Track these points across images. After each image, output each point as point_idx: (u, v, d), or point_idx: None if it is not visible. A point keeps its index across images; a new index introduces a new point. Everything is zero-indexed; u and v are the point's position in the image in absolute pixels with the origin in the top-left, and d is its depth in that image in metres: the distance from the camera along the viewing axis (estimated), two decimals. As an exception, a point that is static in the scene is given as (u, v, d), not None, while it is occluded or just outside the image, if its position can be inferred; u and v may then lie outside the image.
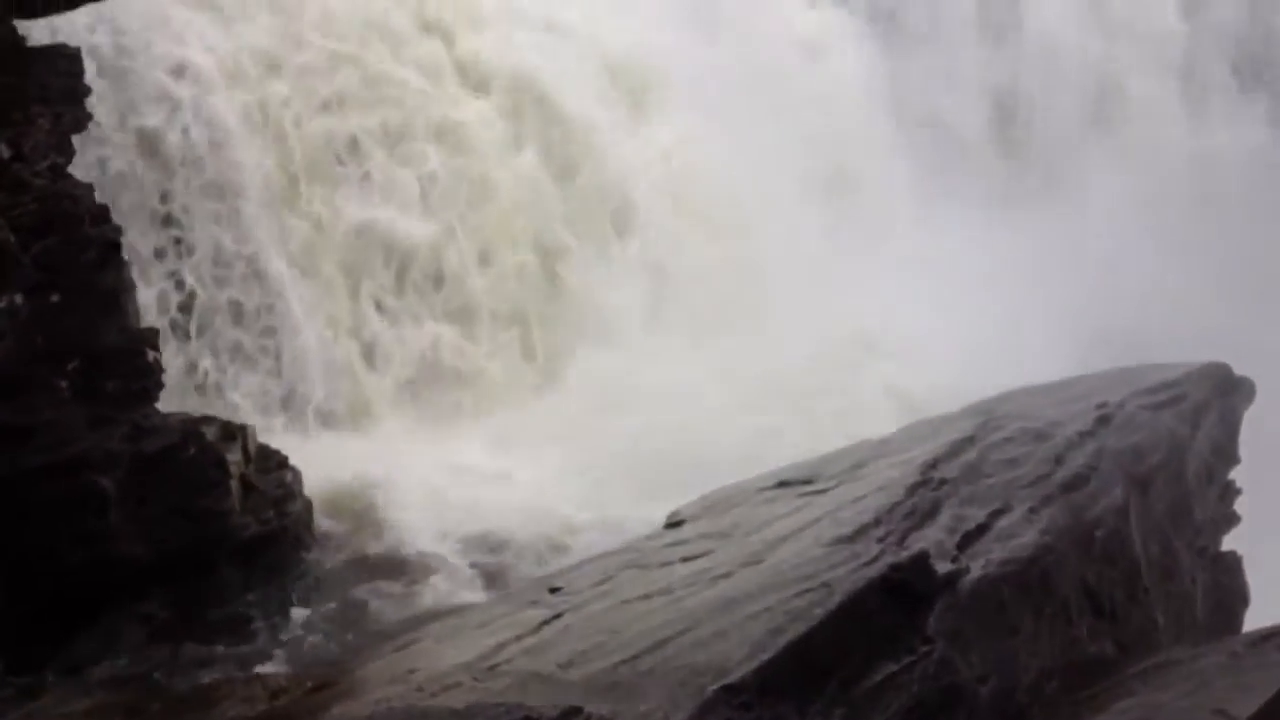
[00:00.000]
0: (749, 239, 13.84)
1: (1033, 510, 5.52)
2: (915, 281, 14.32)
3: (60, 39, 8.91)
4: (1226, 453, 7.19)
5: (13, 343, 7.85)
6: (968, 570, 4.95)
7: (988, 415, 6.60)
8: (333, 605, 8.69)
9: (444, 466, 10.65)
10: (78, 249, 8.28)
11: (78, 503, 7.86)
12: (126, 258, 8.79)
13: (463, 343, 11.83)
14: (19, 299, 7.94)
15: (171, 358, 9.65)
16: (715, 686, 4.12)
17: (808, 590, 4.67)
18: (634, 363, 11.91)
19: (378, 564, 9.29)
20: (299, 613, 8.52)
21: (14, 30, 8.30)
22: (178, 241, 10.14)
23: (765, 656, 4.26)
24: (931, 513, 5.48)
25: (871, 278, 14.17)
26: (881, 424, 8.13)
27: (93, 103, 8.89)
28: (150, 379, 8.59)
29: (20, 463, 7.69)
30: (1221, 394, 7.29)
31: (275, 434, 10.14)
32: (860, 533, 5.23)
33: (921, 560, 4.83)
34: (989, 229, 15.59)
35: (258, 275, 10.55)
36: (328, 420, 10.95)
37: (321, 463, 9.91)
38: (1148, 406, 6.53)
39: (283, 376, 10.62)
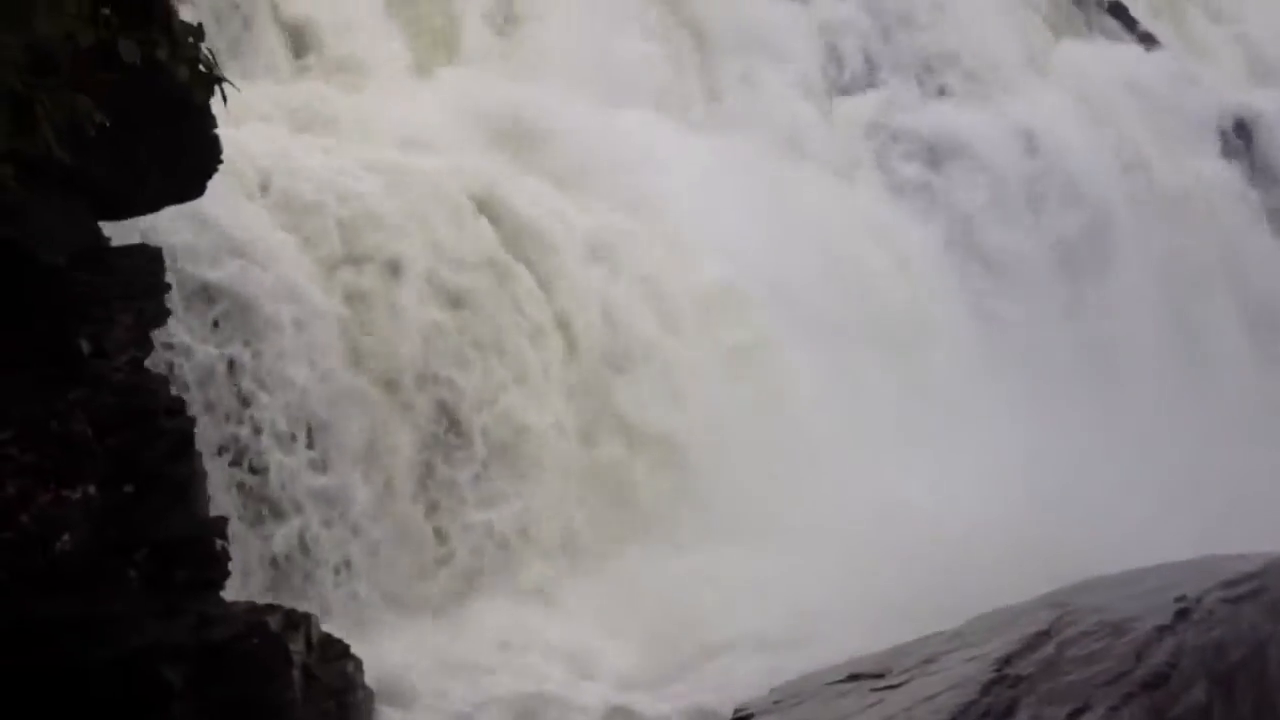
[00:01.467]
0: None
1: (1113, 709, 5.39)
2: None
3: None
4: (1311, 647, 6.98)
5: (86, 533, 7.94)
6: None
7: (1063, 608, 6.49)
8: (392, 799, 8.56)
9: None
10: (151, 441, 8.44)
11: (144, 695, 7.84)
12: (199, 448, 8.95)
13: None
14: (93, 490, 8.07)
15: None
16: None
17: (886, 797, 4.56)
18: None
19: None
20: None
21: (98, 232, 8.64)
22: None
23: None
24: (1008, 712, 5.37)
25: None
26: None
27: (173, 298, 9.20)
28: (218, 568, 8.65)
29: (90, 655, 7.71)
30: (1304, 584, 7.13)
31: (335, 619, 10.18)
32: (937, 733, 5.12)
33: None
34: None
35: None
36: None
37: (386, 650, 9.93)
38: (1228, 599, 6.39)
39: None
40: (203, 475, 8.94)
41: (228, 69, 6.16)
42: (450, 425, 11.81)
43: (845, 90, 20.41)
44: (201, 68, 5.56)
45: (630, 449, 13.06)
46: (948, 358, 16.63)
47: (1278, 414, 19.61)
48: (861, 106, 20.05)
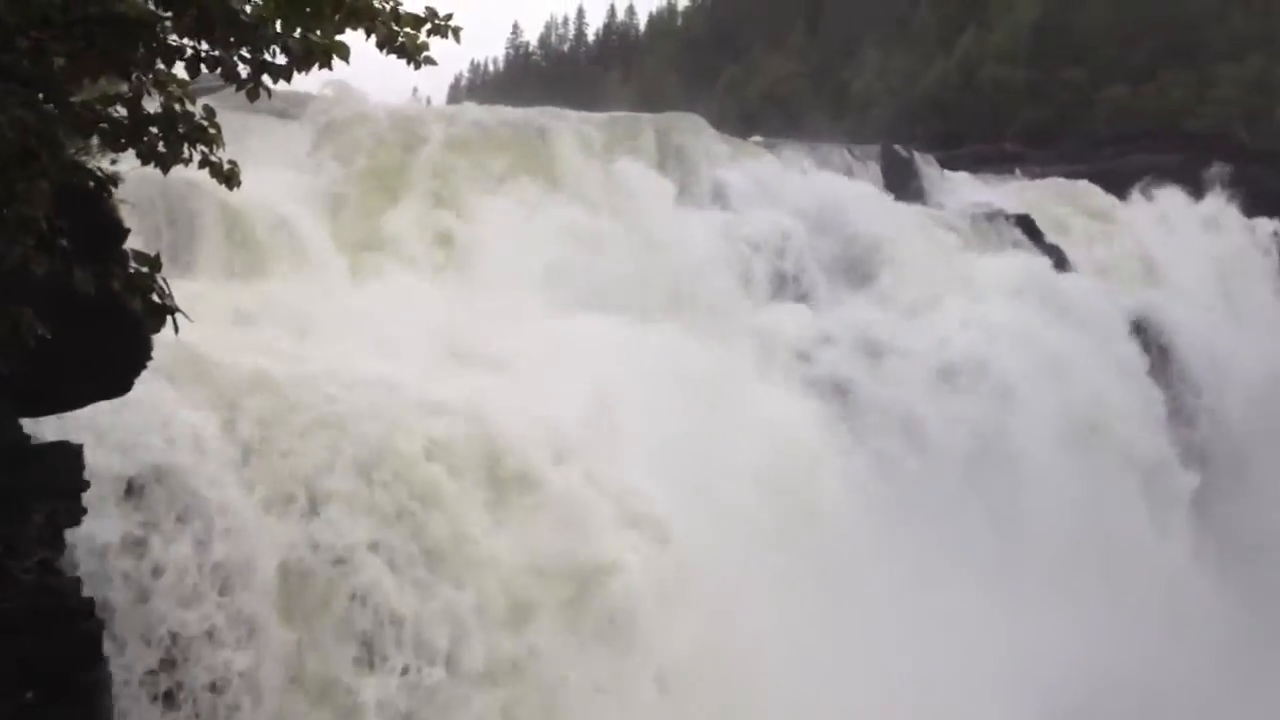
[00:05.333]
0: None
1: None
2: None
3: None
4: None
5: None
6: None
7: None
8: None
9: None
10: (57, 645, 8.20)
11: None
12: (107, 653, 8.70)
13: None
14: (-6, 695, 7.80)
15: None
16: None
17: None
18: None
19: None
20: None
21: (19, 428, 8.55)
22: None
23: None
24: None
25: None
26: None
27: (90, 497, 9.05)
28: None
29: None
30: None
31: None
32: None
33: None
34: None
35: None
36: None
37: None
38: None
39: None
40: (109, 679, 8.68)
41: (169, 269, 6.15)
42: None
43: (774, 298, 20.98)
44: (155, 298, 5.55)
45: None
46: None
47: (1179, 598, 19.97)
48: (791, 313, 20.57)
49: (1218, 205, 32.22)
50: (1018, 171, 35.00)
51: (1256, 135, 37.95)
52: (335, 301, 14.93)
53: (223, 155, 5.51)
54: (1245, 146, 37.84)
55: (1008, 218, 26.96)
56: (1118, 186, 32.35)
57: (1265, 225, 32.16)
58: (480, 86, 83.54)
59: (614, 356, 15.72)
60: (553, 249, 18.16)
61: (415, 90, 64.16)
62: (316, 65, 5.23)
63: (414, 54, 5.27)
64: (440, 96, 74.40)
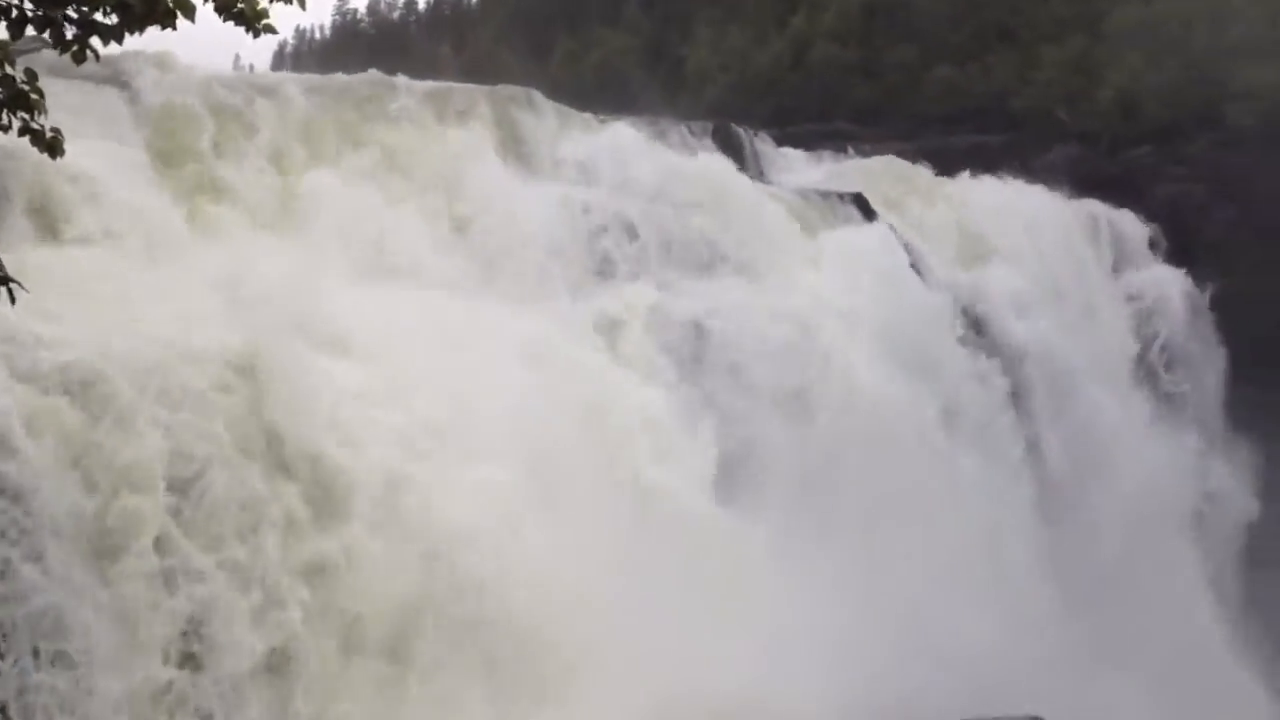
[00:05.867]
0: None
1: None
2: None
3: None
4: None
5: None
6: None
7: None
8: None
9: None
10: None
11: None
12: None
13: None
14: None
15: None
16: None
17: None
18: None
19: None
20: None
21: None
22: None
23: None
24: None
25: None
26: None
27: None
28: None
29: None
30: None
31: None
32: None
33: None
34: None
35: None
36: None
37: None
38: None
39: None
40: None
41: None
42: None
43: (609, 275, 20.76)
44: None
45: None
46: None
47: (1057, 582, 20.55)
48: (630, 289, 20.40)
49: (1040, 184, 33.12)
50: (850, 149, 35.46)
51: (1077, 115, 39.17)
52: (153, 271, 14.20)
53: (45, 122, 5.08)
54: (1066, 126, 39.05)
55: (842, 196, 27.25)
56: (945, 165, 33.02)
57: (1084, 205, 33.19)
58: (306, 55, 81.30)
59: (443, 334, 15.37)
60: (382, 221, 17.69)
61: (238, 59, 61.95)
62: (159, 26, 4.80)
63: (253, 21, 4.89)
64: (264, 65, 72.06)
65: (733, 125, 30.69)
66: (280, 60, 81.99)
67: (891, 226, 26.96)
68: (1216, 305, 32.39)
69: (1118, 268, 32.30)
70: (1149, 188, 35.59)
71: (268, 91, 19.25)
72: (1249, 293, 32.77)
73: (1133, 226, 33.46)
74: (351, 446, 12.97)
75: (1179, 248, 33.41)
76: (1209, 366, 31.61)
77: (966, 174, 32.34)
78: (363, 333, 14.42)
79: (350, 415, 13.24)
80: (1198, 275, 32.75)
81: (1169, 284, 32.20)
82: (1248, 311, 32.11)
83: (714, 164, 25.41)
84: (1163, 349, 31.14)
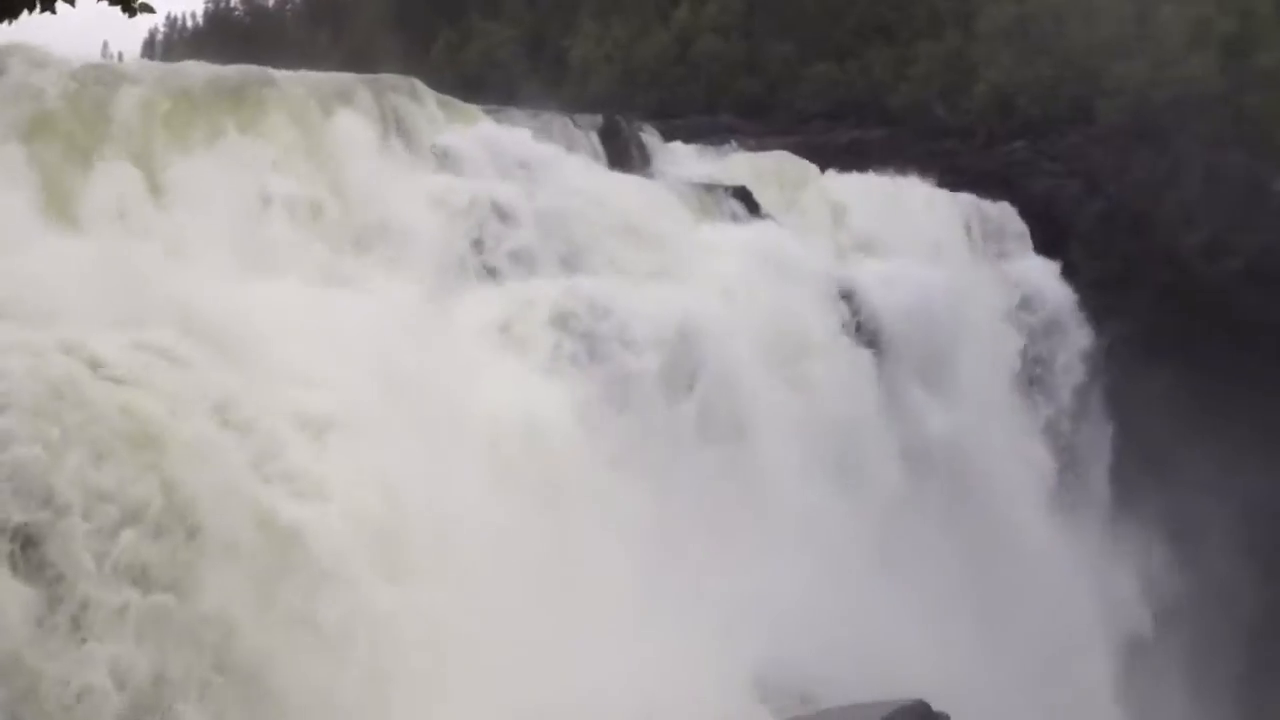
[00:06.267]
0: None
1: None
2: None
3: None
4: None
5: None
6: None
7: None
8: None
9: None
10: None
11: None
12: None
13: None
14: None
15: None
16: None
17: None
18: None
19: None
20: None
21: None
22: None
23: None
24: None
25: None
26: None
27: None
28: None
29: None
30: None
31: None
32: None
33: None
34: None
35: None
36: None
37: None
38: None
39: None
40: None
41: None
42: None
43: (489, 267, 20.55)
44: None
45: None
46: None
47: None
48: (508, 285, 20.23)
49: (919, 179, 33.66)
50: (734, 143, 35.62)
51: (953, 111, 39.82)
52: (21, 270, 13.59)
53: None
54: (943, 122, 39.69)
55: (726, 189, 27.35)
56: (827, 159, 33.39)
57: (961, 198, 33.81)
58: (178, 43, 79.05)
59: (316, 326, 15.07)
60: (259, 213, 17.27)
61: (106, 47, 60.05)
62: (39, 9, 4.49)
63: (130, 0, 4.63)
64: (134, 54, 69.93)
65: (618, 118, 30.60)
66: (151, 49, 79.63)
67: (773, 218, 27.15)
68: (1087, 293, 33.32)
69: (995, 258, 33.00)
70: (1023, 182, 36.42)
71: (136, 80, 18.63)
72: (1119, 281, 33.88)
73: (1008, 219, 34.24)
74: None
75: (1053, 239, 34.25)
76: (1078, 348, 32.77)
77: (846, 168, 32.74)
78: (232, 325, 13.98)
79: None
80: (1070, 265, 33.64)
81: (1044, 273, 33.03)
82: (1118, 300, 33.22)
83: (595, 156, 25.31)
84: (1040, 336, 32.07)
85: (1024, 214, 34.42)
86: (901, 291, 26.70)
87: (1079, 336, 32.64)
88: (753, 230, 25.78)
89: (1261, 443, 30.62)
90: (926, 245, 30.46)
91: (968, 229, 32.86)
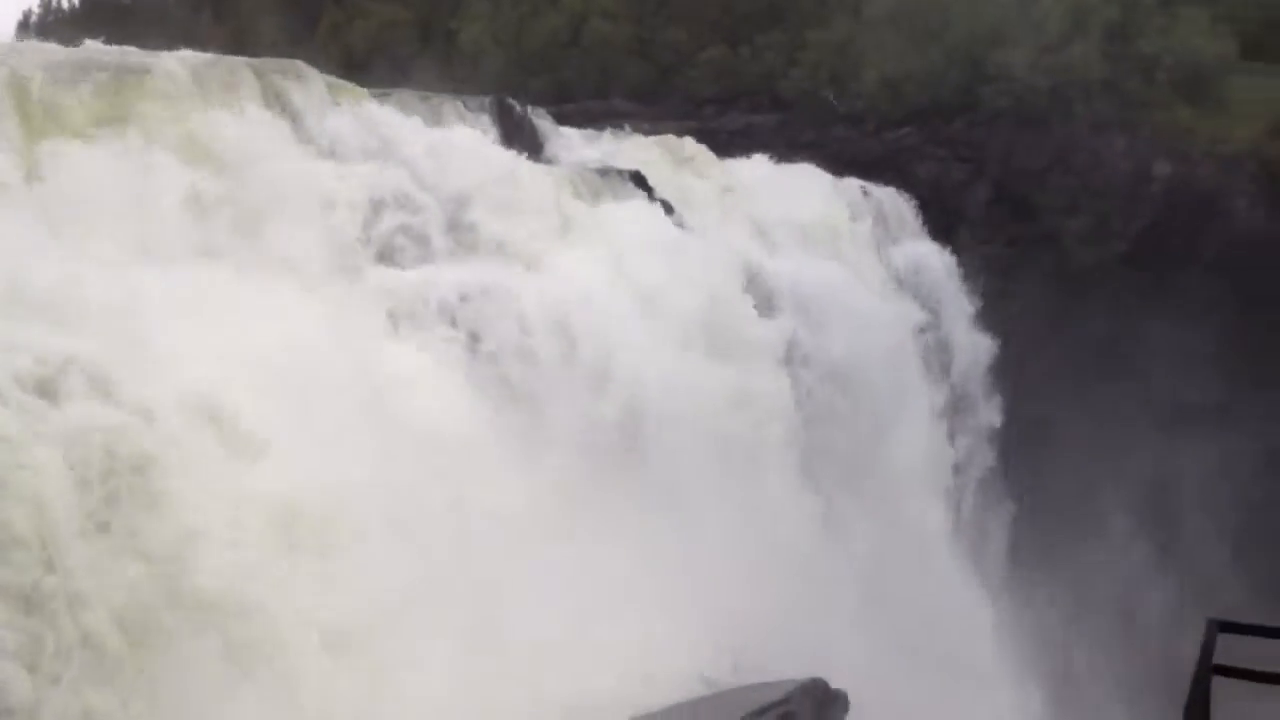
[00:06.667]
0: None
1: None
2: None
3: None
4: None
5: None
6: None
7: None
8: None
9: None
10: None
11: None
12: None
13: None
14: None
15: None
16: None
17: None
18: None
19: None
20: None
21: None
22: None
23: None
24: None
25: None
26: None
27: None
28: None
29: None
30: (821, 707, 7.37)
31: None
32: None
33: None
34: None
35: None
36: None
37: None
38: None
39: None
40: None
41: None
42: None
43: (379, 253, 20.29)
44: None
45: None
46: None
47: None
48: (400, 270, 19.99)
49: (809, 164, 34.02)
50: (627, 128, 35.57)
51: (843, 97, 40.19)
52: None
53: None
54: (834, 108, 40.06)
55: (620, 173, 27.30)
56: (719, 145, 33.50)
57: (851, 183, 34.21)
58: (54, 25, 76.66)
59: (199, 310, 14.73)
60: (139, 198, 16.77)
61: (-23, 26, 57.89)
62: None
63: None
64: (7, 35, 67.68)
65: (510, 101, 30.30)
66: (25, 31, 77.16)
67: (667, 203, 27.15)
68: (974, 275, 33.97)
69: (885, 242, 33.47)
70: (912, 167, 36.94)
71: (11, 58, 17.93)
72: (1007, 265, 34.59)
73: (897, 203, 34.77)
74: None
75: (941, 223, 34.83)
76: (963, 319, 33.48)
77: (738, 154, 32.92)
78: (105, 311, 13.58)
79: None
80: (958, 248, 34.26)
81: (933, 256, 33.63)
82: (1006, 284, 33.93)
83: (488, 139, 25.06)
84: (929, 309, 32.73)
85: (913, 199, 34.97)
86: (798, 276, 26.95)
87: (967, 314, 33.43)
88: (647, 212, 25.76)
89: (1140, 419, 31.52)
90: (818, 230, 30.78)
91: (857, 212, 33.25)
